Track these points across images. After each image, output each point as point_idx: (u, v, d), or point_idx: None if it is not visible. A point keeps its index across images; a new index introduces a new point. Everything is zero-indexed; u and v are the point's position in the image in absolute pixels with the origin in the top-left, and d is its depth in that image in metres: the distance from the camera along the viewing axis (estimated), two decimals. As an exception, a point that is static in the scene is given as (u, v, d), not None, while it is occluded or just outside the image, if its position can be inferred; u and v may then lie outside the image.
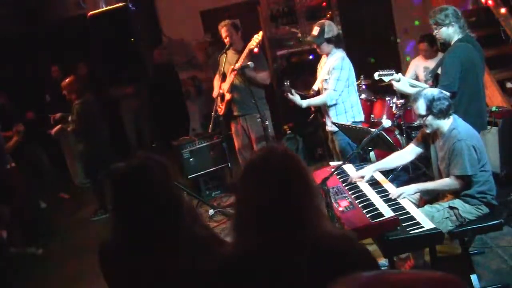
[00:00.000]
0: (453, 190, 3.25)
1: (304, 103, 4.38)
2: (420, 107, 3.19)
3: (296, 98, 4.34)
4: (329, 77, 4.36)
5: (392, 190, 3.20)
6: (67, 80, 5.69)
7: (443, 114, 3.16)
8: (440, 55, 5.50)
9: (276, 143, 1.55)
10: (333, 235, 1.58)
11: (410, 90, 3.92)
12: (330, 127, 4.52)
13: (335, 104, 4.39)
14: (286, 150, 1.62)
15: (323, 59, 4.58)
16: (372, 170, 3.43)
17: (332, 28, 4.36)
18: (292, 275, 1.47)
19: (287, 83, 4.38)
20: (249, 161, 1.64)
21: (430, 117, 3.18)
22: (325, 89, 4.43)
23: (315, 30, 4.35)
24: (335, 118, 4.42)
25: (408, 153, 3.55)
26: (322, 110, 4.61)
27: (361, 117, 4.54)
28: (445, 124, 3.21)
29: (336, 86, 4.31)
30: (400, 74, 3.93)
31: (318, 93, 4.55)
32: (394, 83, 3.97)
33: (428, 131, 3.31)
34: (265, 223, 1.52)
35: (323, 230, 1.55)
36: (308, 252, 1.47)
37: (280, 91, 4.33)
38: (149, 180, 1.87)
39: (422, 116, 3.21)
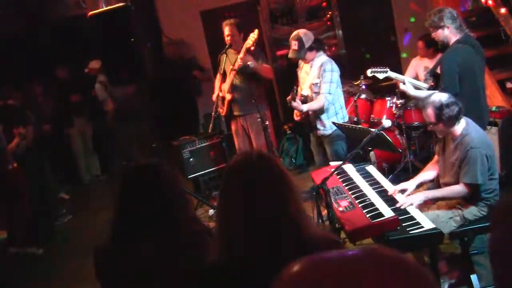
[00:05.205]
0: (460, 197, 3.22)
1: (305, 107, 4.33)
2: (430, 115, 3.16)
3: (298, 104, 4.29)
4: (320, 80, 4.32)
5: (400, 198, 3.13)
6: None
7: (453, 120, 3.13)
8: (439, 55, 5.51)
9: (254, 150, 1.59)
10: (318, 236, 1.59)
11: (414, 93, 3.92)
12: (322, 131, 4.48)
13: (327, 108, 4.37)
14: (260, 155, 1.63)
15: (304, 64, 4.56)
16: (414, 184, 3.35)
17: (308, 36, 4.35)
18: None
19: (294, 90, 4.35)
20: (225, 168, 1.69)
21: (440, 125, 3.16)
22: (316, 92, 4.38)
23: (294, 45, 4.32)
24: (327, 121, 4.41)
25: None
26: (310, 115, 4.52)
27: (347, 117, 4.61)
28: (456, 129, 3.18)
29: (330, 89, 4.29)
30: (405, 77, 3.95)
31: (306, 98, 4.46)
32: (400, 85, 3.99)
33: (439, 136, 3.30)
34: (245, 229, 1.52)
35: (307, 232, 1.56)
36: (294, 254, 1.47)
37: (289, 94, 4.35)
38: (159, 178, 1.93)
39: (433, 124, 3.20)
